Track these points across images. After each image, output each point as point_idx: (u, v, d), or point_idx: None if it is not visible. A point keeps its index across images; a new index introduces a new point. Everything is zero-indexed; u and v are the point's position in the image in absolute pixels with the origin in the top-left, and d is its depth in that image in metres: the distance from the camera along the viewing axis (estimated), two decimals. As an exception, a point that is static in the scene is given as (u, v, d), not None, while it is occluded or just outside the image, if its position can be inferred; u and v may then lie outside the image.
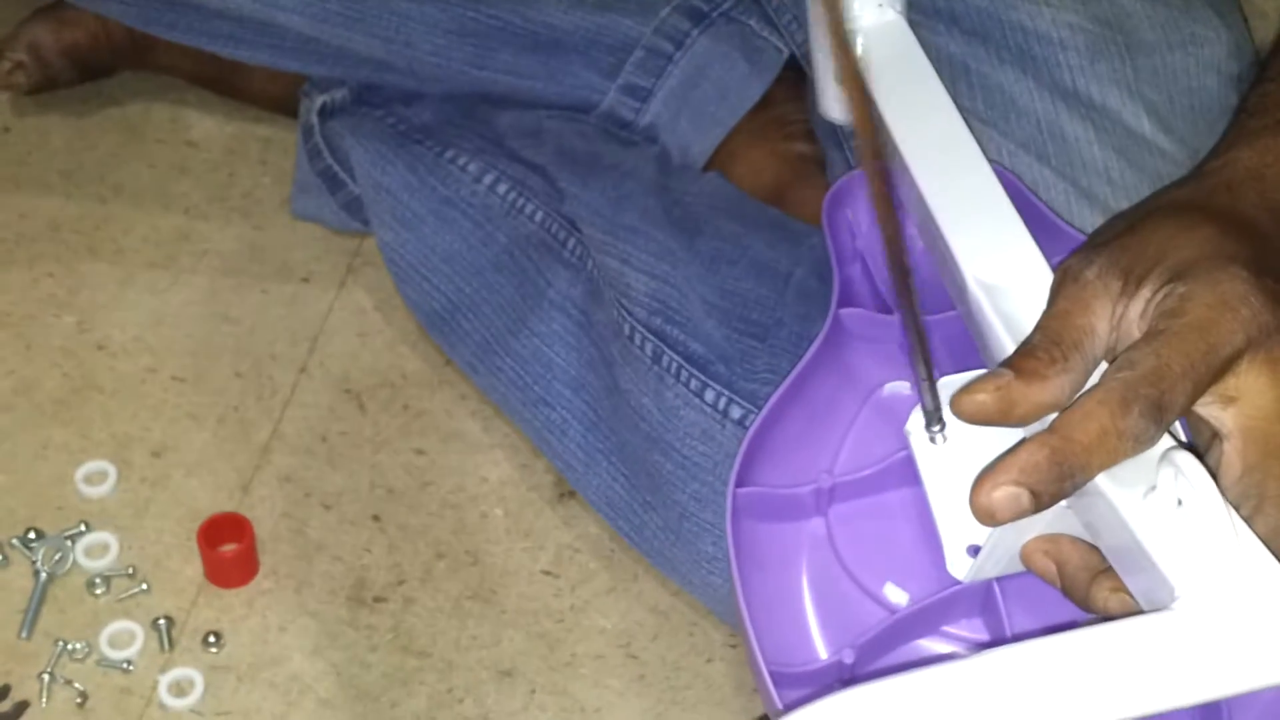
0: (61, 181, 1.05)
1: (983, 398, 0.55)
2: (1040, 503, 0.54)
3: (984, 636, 0.67)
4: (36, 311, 0.98)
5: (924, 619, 0.68)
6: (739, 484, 0.68)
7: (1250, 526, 0.53)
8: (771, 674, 0.65)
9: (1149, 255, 0.56)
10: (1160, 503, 0.53)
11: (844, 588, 0.69)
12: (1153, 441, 0.54)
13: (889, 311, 0.72)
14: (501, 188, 0.91)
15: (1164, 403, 0.53)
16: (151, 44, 1.06)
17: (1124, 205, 0.80)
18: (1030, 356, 0.56)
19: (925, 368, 0.61)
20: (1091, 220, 0.80)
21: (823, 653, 0.69)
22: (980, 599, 0.66)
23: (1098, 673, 0.49)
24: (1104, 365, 0.57)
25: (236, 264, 1.01)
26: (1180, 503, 0.53)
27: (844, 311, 0.73)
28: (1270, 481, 0.54)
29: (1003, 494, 0.53)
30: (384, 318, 0.98)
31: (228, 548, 0.85)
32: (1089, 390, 0.55)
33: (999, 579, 0.65)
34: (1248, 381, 0.54)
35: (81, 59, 1.07)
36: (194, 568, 0.86)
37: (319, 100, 0.98)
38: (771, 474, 0.70)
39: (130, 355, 0.96)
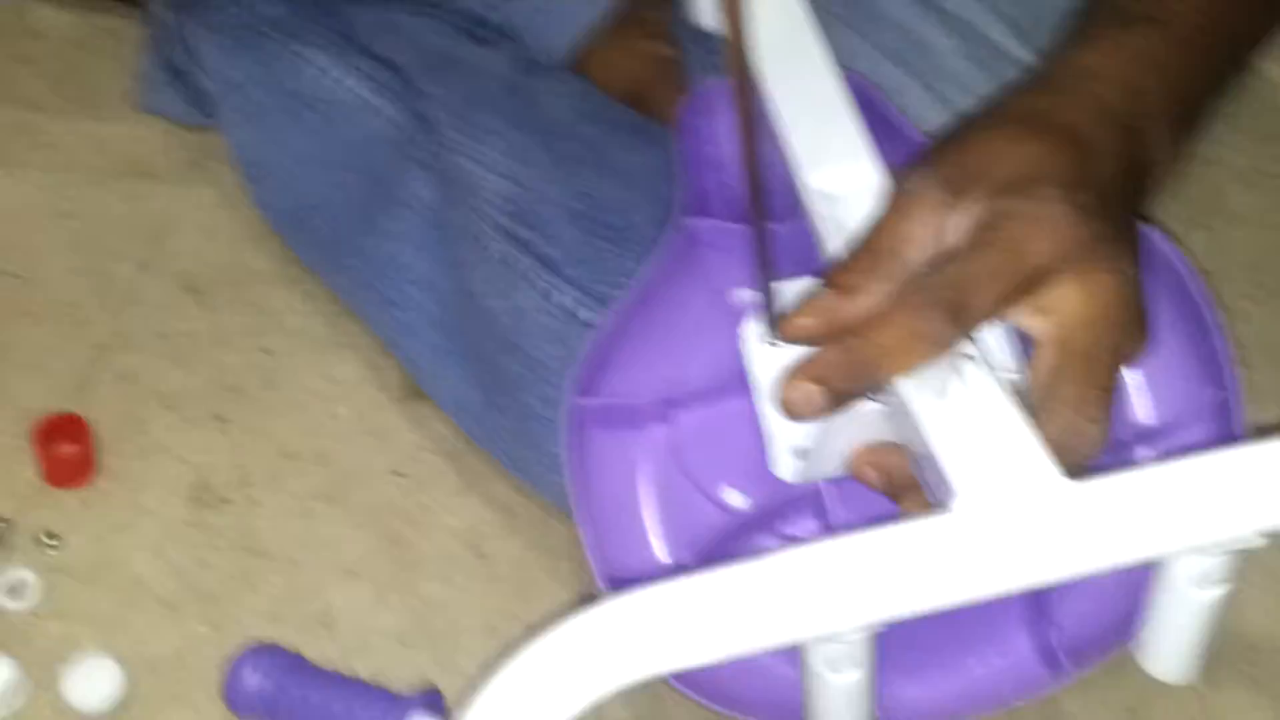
0: (-107, 69, 1.02)
1: (805, 321, 0.57)
2: (838, 401, 0.56)
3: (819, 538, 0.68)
4: None
5: (761, 521, 0.69)
6: (584, 393, 0.68)
7: (1042, 428, 0.55)
8: (610, 579, 0.65)
9: (971, 170, 0.58)
10: (950, 406, 0.55)
11: (685, 493, 0.70)
12: (950, 344, 0.55)
13: (744, 221, 0.72)
14: (351, 82, 0.89)
15: (963, 305, 0.55)
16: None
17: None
18: (845, 271, 0.57)
19: (764, 275, 0.61)
20: (952, 131, 0.81)
21: (663, 556, 0.69)
22: (812, 502, 0.68)
23: (871, 573, 0.51)
24: None
25: (78, 158, 0.98)
26: (967, 406, 0.55)
27: (696, 221, 0.73)
28: (1063, 384, 0.56)
29: (801, 391, 0.56)
30: (230, 215, 0.96)
31: (65, 448, 0.84)
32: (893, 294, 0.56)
33: (832, 482, 0.66)
34: (1060, 293, 0.56)
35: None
36: (30, 469, 0.85)
37: (168, -10, 0.95)
38: (618, 383, 0.70)
39: (-35, 250, 0.93)
